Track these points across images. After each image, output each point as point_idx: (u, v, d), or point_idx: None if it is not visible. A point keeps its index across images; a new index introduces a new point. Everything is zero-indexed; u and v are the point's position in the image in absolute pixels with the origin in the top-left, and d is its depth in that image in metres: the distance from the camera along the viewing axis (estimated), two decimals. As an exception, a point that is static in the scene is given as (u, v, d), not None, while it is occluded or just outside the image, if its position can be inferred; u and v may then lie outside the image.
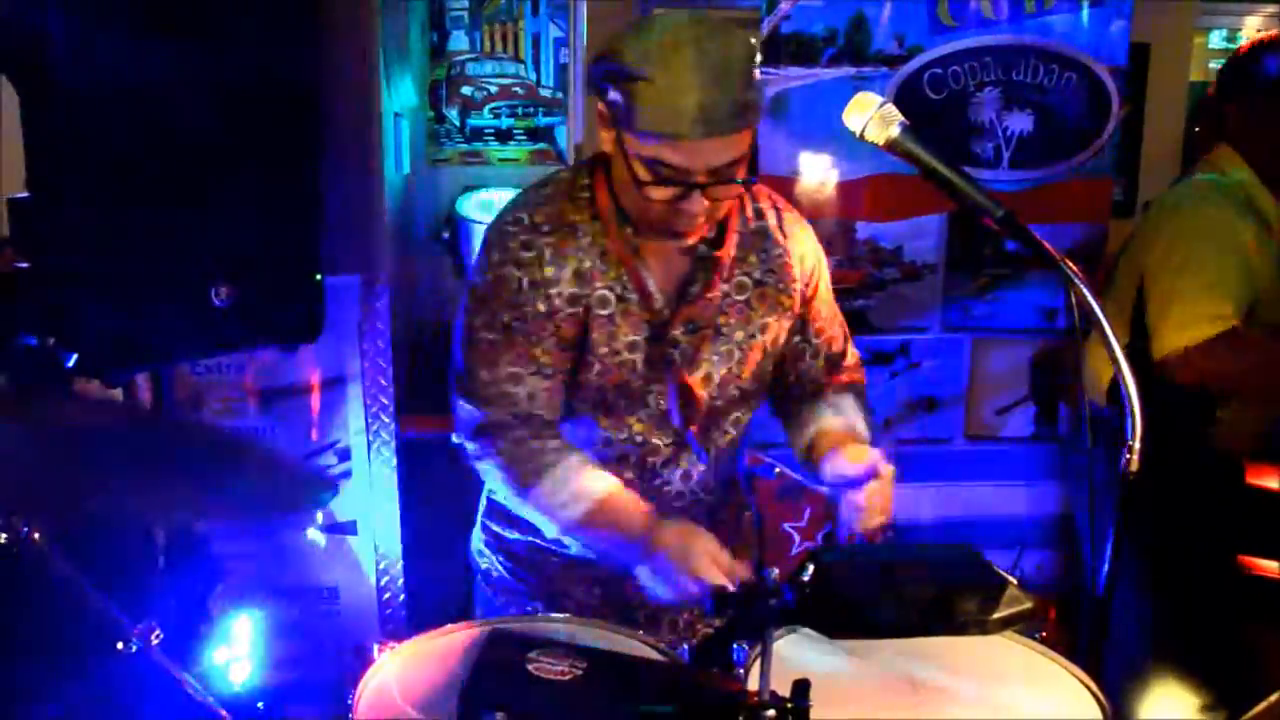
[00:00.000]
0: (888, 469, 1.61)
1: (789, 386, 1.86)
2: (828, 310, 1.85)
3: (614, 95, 1.53)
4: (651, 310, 1.70)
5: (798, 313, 1.80)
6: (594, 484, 1.65)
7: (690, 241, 1.65)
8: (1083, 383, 2.45)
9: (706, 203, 1.55)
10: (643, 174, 1.54)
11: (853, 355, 1.90)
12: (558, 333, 1.68)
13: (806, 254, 1.79)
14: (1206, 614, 2.35)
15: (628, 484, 1.76)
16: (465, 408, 1.71)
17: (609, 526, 1.63)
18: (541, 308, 1.66)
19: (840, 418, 1.80)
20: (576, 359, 1.70)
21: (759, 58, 1.56)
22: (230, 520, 2.54)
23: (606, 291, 1.69)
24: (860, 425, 1.80)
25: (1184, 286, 2.26)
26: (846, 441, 1.72)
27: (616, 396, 1.74)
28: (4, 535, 1.17)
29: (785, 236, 1.77)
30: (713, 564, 1.50)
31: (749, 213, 1.75)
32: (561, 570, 1.89)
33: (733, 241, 1.72)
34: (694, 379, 1.73)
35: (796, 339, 1.82)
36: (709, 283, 1.71)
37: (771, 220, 1.77)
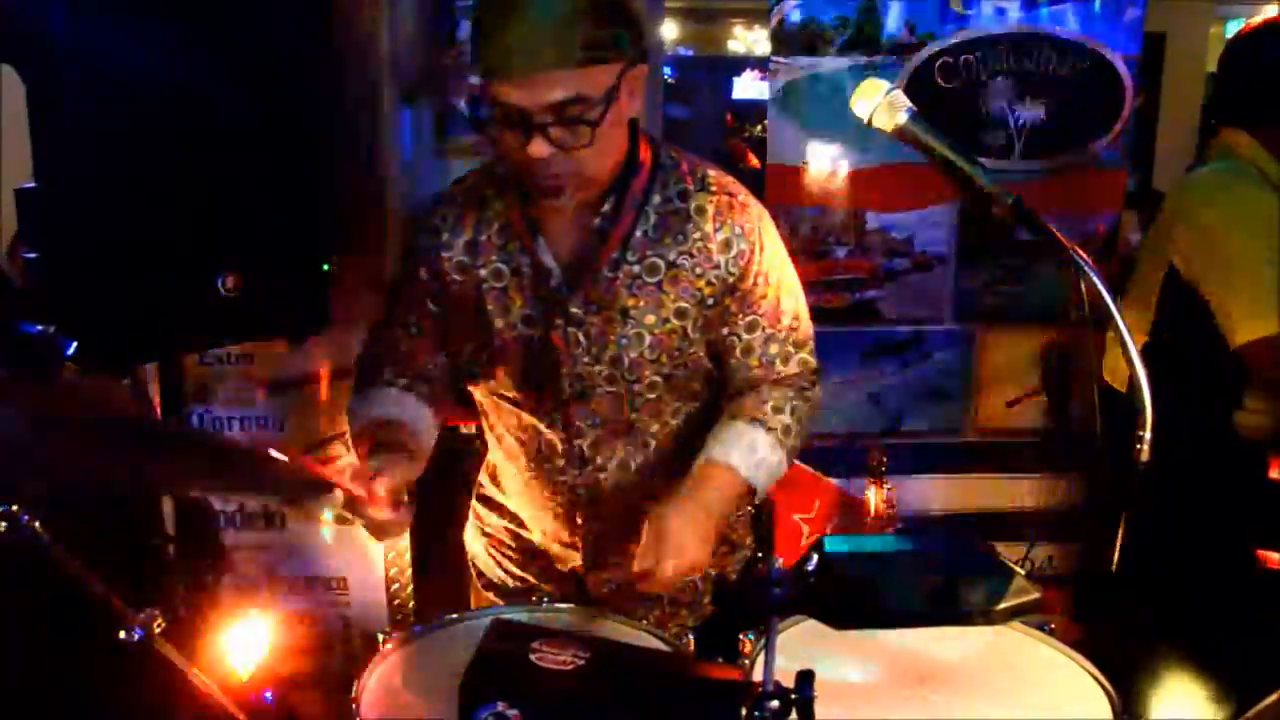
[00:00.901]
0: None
1: (725, 383, 1.78)
2: (766, 306, 1.72)
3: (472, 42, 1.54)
4: (546, 285, 1.69)
5: (722, 302, 1.71)
6: (373, 410, 1.72)
7: (562, 198, 1.59)
8: (1101, 373, 2.44)
9: (550, 148, 1.50)
10: (495, 118, 1.53)
11: (800, 364, 1.77)
12: (441, 297, 1.75)
13: (734, 239, 1.68)
14: (1221, 607, 2.34)
15: (559, 471, 1.78)
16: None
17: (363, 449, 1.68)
18: (423, 274, 1.75)
19: (721, 448, 1.69)
20: (479, 331, 1.73)
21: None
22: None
23: (501, 265, 1.70)
24: (736, 459, 1.67)
25: (1249, 280, 2.24)
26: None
27: (527, 378, 1.74)
28: (3, 524, 1.17)
29: (710, 220, 1.68)
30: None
31: (671, 193, 1.69)
32: (530, 558, 1.91)
33: (631, 217, 1.66)
34: (590, 365, 1.70)
35: (725, 331, 1.73)
36: (602, 255, 1.66)
37: (697, 202, 1.68)
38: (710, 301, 1.70)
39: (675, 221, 1.68)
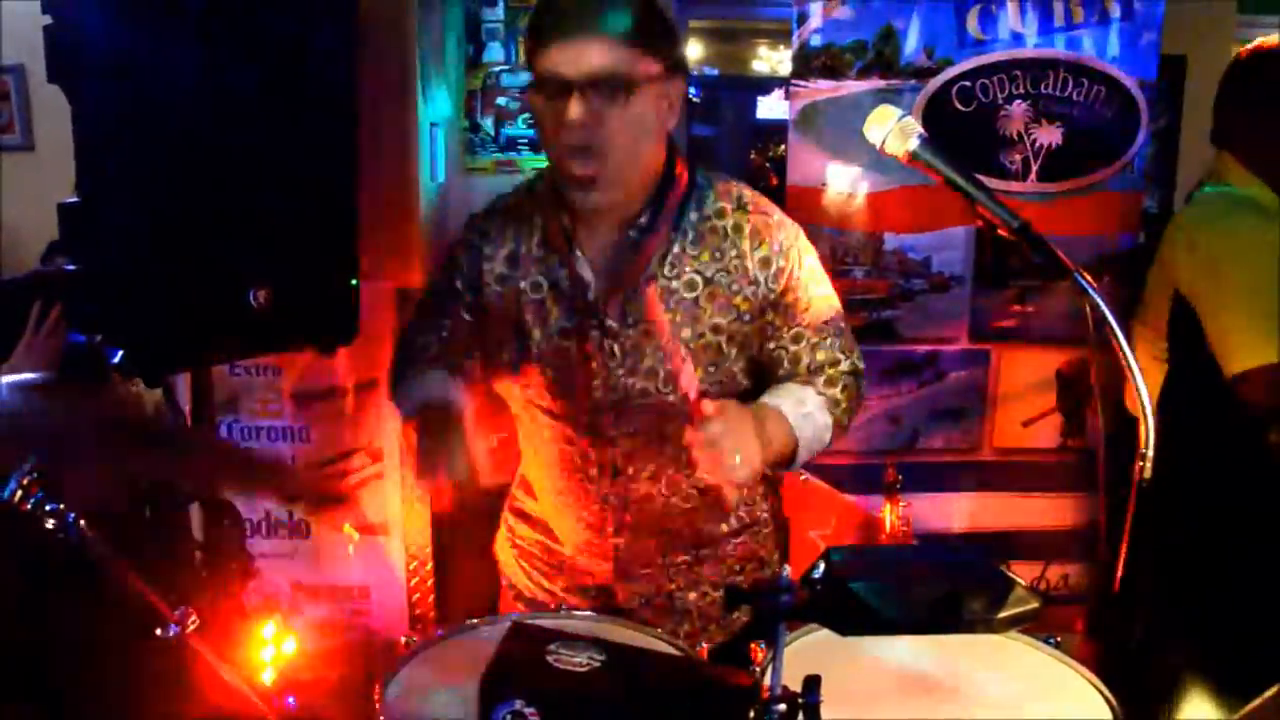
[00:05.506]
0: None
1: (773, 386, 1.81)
2: (809, 318, 1.77)
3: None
4: (584, 297, 1.73)
5: (763, 317, 1.76)
6: (426, 391, 1.77)
7: (593, 194, 1.64)
8: (1124, 399, 2.45)
9: (585, 109, 1.56)
10: (537, 88, 1.62)
11: (850, 365, 1.81)
12: (476, 309, 1.81)
13: (773, 256, 1.73)
14: (1246, 627, 2.34)
15: (591, 481, 1.81)
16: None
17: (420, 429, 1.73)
18: (459, 285, 1.82)
19: (771, 397, 1.73)
20: (516, 341, 1.78)
21: None
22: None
23: (540, 278, 1.76)
24: (786, 407, 1.70)
25: (1245, 309, 2.24)
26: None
27: (563, 389, 1.77)
28: (52, 521, 1.22)
29: (748, 239, 1.73)
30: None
31: (708, 210, 1.73)
32: (559, 571, 1.94)
33: (666, 230, 1.70)
34: (625, 378, 1.74)
35: (770, 345, 1.78)
36: (637, 268, 1.70)
37: (735, 220, 1.73)
38: (748, 318, 1.74)
39: (713, 239, 1.73)
